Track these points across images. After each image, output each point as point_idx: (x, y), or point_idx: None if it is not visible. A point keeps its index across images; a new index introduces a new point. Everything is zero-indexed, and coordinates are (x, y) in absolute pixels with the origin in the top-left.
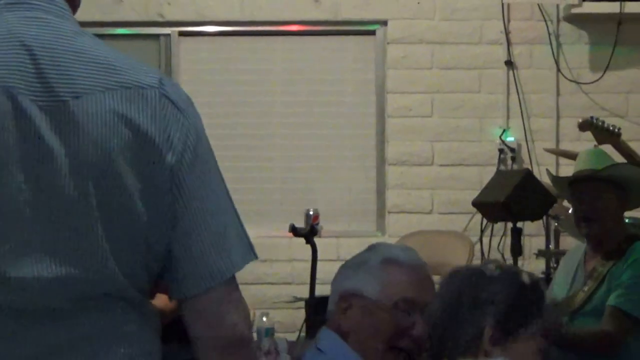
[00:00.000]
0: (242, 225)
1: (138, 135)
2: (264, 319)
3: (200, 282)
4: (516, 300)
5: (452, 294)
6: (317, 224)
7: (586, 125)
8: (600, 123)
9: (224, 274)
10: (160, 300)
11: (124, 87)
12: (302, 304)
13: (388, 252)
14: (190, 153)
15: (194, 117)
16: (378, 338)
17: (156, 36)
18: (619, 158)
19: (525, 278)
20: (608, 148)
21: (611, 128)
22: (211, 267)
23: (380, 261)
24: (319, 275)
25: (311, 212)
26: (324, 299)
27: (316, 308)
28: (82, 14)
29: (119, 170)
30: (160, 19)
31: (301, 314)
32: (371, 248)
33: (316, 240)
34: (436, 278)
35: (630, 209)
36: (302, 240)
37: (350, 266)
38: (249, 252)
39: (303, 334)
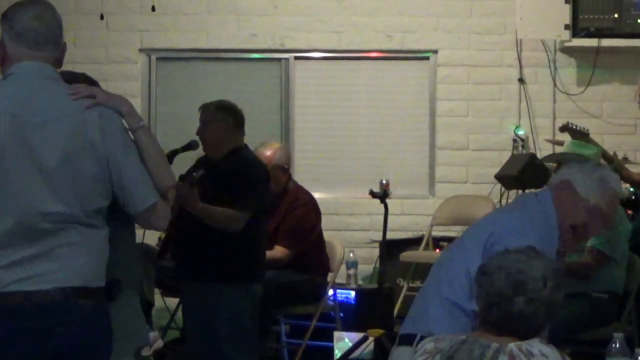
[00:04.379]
0: None
1: None
2: (351, 254)
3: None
4: None
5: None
6: (388, 189)
7: (564, 128)
8: (574, 126)
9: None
10: (277, 251)
11: None
12: (377, 244)
13: (613, 184)
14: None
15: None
16: (569, 219)
17: (278, 60)
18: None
19: None
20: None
21: (582, 130)
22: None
23: (608, 184)
24: (388, 225)
25: (384, 181)
26: (393, 242)
27: (387, 247)
28: (227, 44)
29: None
30: (281, 47)
31: (376, 252)
32: (612, 178)
33: (387, 200)
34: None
35: None
36: (377, 200)
37: (585, 170)
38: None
39: (377, 265)
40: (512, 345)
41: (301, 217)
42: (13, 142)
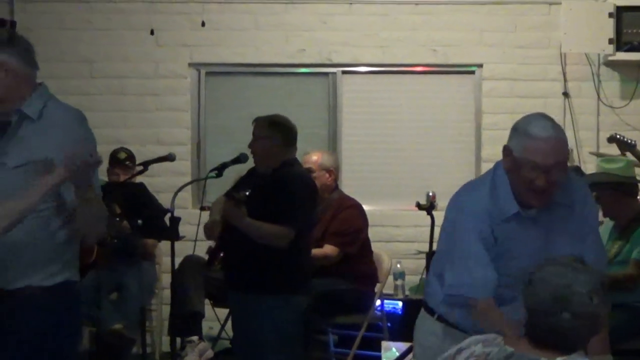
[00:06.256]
0: None
1: None
2: (398, 265)
3: None
4: None
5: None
6: (435, 201)
7: (612, 139)
8: (621, 138)
9: None
10: (327, 248)
11: None
12: (424, 255)
13: (531, 130)
14: None
15: None
16: (513, 180)
17: (326, 74)
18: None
19: None
20: None
21: (629, 141)
22: None
23: (525, 134)
24: (435, 237)
25: (430, 193)
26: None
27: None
28: (276, 58)
29: None
30: (328, 62)
31: (422, 263)
32: (530, 123)
33: (433, 212)
34: None
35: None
36: (422, 212)
37: (516, 128)
38: None
39: (424, 276)
40: None
41: (347, 219)
42: None
